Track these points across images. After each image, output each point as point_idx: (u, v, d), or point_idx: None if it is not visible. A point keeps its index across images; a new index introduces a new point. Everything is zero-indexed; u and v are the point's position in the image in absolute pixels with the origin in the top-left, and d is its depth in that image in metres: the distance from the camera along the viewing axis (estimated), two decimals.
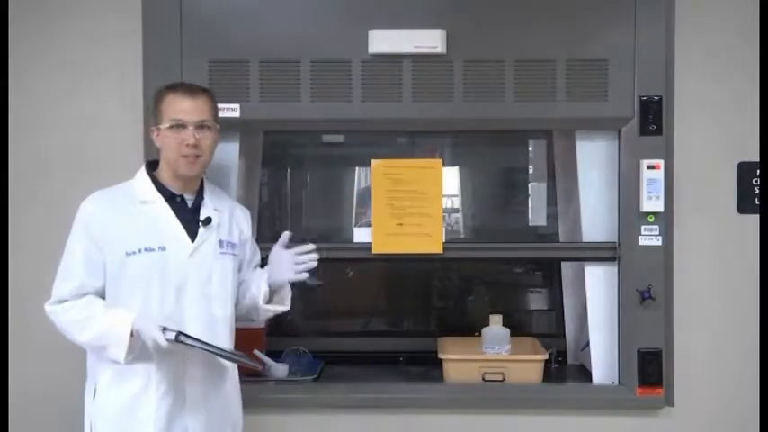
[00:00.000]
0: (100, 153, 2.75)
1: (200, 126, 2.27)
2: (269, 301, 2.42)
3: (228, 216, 2.42)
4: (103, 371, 2.25)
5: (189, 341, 2.12)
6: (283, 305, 2.44)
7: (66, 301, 2.22)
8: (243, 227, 2.47)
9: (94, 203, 2.29)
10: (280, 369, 2.85)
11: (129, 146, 2.69)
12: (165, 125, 2.27)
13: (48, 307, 2.24)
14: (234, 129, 2.72)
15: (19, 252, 2.74)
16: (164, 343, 2.10)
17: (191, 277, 2.28)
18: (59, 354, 2.61)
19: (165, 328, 2.12)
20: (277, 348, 3.00)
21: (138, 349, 2.17)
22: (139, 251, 2.23)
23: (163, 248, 2.25)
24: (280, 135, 3.17)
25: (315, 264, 2.39)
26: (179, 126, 2.26)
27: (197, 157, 2.27)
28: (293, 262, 2.37)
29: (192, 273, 2.28)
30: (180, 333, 2.11)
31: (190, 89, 2.31)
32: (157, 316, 2.18)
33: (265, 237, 3.17)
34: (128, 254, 2.22)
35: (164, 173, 2.34)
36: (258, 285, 2.40)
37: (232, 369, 2.42)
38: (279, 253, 2.41)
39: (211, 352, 2.17)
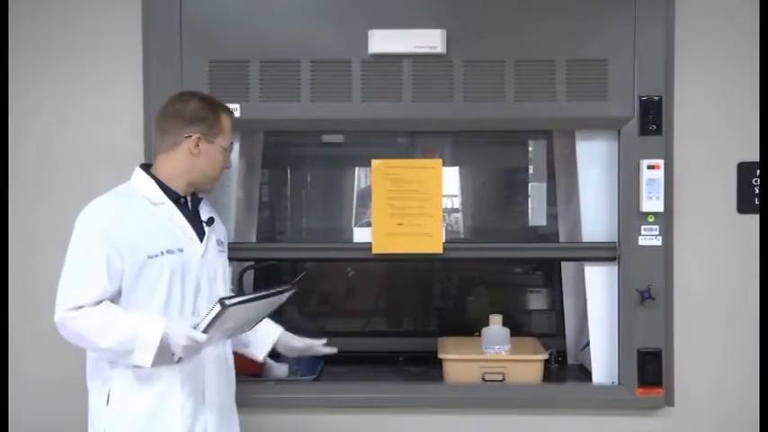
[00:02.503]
0: (99, 153, 2.75)
1: None
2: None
3: (216, 216, 2.46)
4: (120, 375, 2.21)
5: (235, 300, 2.03)
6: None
7: (84, 307, 2.15)
8: (223, 227, 2.53)
9: (106, 208, 2.24)
10: (280, 369, 2.85)
11: (129, 146, 2.69)
12: (224, 143, 2.36)
13: (64, 313, 2.15)
14: (234, 129, 2.71)
15: (16, 255, 2.74)
16: (201, 337, 2.05)
17: (203, 277, 2.30)
18: (60, 356, 2.62)
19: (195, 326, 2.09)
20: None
21: (161, 354, 2.12)
22: (161, 253, 2.22)
23: (181, 250, 2.26)
24: (280, 135, 3.17)
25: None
26: (229, 150, 2.40)
27: None
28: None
29: (204, 272, 2.31)
30: (222, 300, 2.01)
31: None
32: (189, 319, 2.17)
33: (265, 237, 3.19)
34: (150, 257, 2.20)
35: (169, 176, 2.32)
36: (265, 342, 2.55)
37: (233, 366, 2.46)
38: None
39: (258, 298, 2.13)
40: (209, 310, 2.05)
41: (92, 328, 2.14)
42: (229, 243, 2.49)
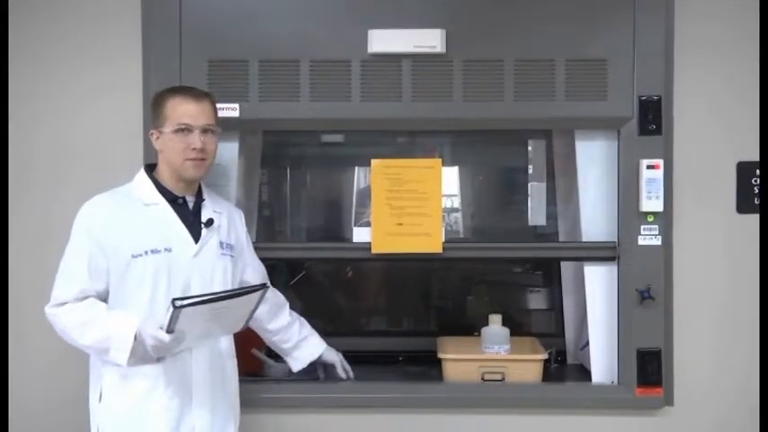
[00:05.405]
0: (99, 153, 2.75)
1: (206, 130, 2.30)
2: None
3: (227, 218, 2.46)
4: (109, 372, 2.24)
5: (186, 302, 2.03)
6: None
7: (66, 303, 2.21)
8: (240, 230, 2.52)
9: (97, 207, 2.28)
10: (280, 369, 2.85)
11: (129, 146, 2.69)
12: (169, 129, 2.28)
13: (48, 309, 2.23)
14: (233, 128, 2.72)
15: (16, 253, 2.74)
16: (165, 337, 2.06)
17: (195, 278, 2.29)
18: (58, 357, 2.63)
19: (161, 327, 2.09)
20: None
21: (141, 353, 2.16)
22: (146, 253, 2.24)
23: (168, 250, 2.26)
24: (279, 135, 3.17)
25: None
26: (185, 130, 2.28)
27: (202, 160, 2.30)
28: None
29: (196, 273, 2.30)
30: (174, 301, 2.02)
31: (195, 93, 2.33)
32: (160, 318, 2.17)
33: (265, 236, 3.19)
34: (134, 256, 2.23)
35: (164, 175, 2.35)
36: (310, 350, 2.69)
37: (233, 367, 2.45)
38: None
39: (216, 300, 2.10)
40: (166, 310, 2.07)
41: (72, 324, 2.20)
42: (229, 243, 2.46)
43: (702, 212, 2.77)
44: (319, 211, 3.67)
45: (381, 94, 2.70)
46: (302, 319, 2.71)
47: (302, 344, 2.67)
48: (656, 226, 2.71)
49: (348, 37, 2.68)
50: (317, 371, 2.75)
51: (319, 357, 2.70)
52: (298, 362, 2.68)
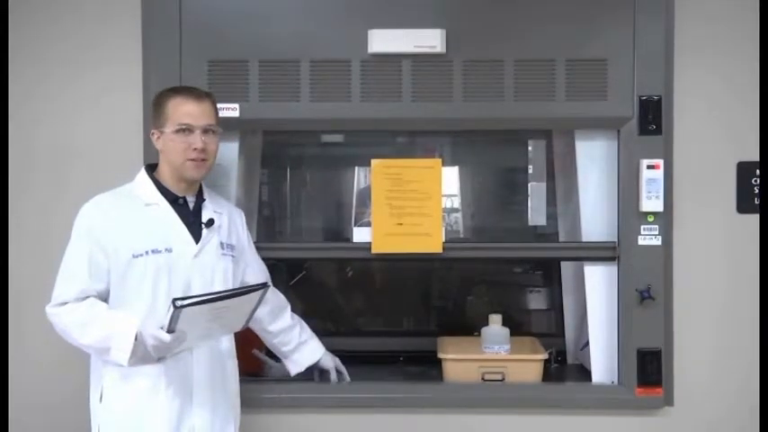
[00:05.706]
0: (99, 153, 2.75)
1: (206, 130, 2.31)
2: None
3: (227, 219, 2.46)
4: (110, 372, 2.25)
5: (187, 302, 2.04)
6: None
7: (67, 303, 2.21)
8: (240, 231, 2.52)
9: (97, 207, 2.29)
10: (280, 369, 2.85)
11: (129, 146, 2.69)
12: (170, 129, 2.29)
13: (49, 309, 2.24)
14: (233, 128, 2.72)
15: (16, 253, 2.74)
16: (166, 337, 2.07)
17: (195, 278, 2.29)
18: (58, 357, 2.63)
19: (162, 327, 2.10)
20: None
21: (141, 353, 2.16)
22: (146, 253, 2.24)
23: (169, 250, 2.27)
24: (279, 135, 3.17)
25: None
26: (186, 130, 2.28)
27: (203, 160, 2.30)
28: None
29: (197, 274, 2.30)
30: (174, 301, 2.03)
31: (196, 93, 2.34)
32: (160, 318, 2.17)
33: (265, 236, 3.19)
34: (134, 256, 2.23)
35: (165, 175, 2.35)
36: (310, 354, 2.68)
37: (233, 368, 2.45)
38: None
39: (217, 299, 2.11)
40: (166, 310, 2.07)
41: (73, 324, 2.20)
42: (229, 244, 2.46)
43: (702, 212, 2.77)
44: (319, 211, 3.67)
45: (381, 94, 2.70)
46: (303, 323, 2.70)
47: (302, 347, 2.67)
48: (656, 226, 2.71)
49: (348, 37, 2.68)
50: (313, 374, 2.75)
51: (317, 362, 2.69)
52: (296, 365, 2.68)
